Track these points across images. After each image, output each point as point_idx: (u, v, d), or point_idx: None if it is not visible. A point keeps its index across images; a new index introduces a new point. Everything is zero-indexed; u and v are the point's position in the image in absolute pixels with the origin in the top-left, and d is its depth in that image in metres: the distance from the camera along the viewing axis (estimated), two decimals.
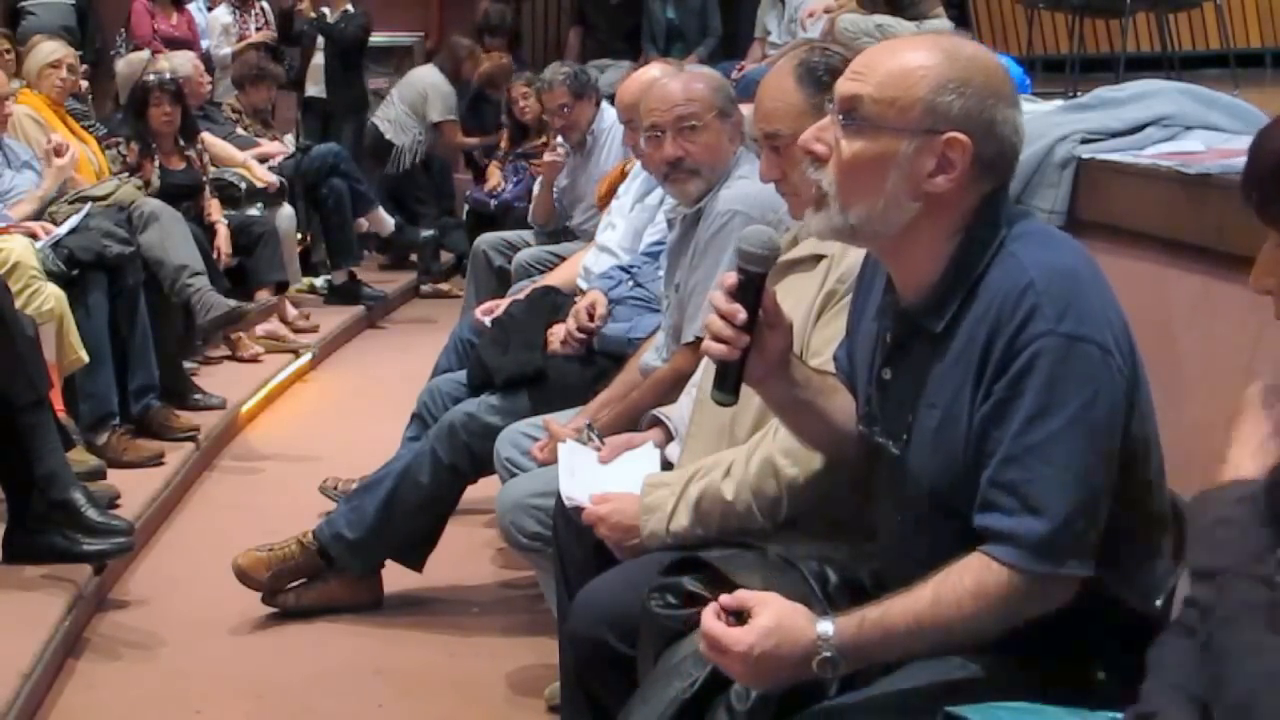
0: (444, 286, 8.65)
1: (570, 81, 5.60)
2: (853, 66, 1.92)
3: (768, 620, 1.82)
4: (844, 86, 1.90)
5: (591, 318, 3.82)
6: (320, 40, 9.03)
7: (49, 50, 6.06)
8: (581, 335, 3.81)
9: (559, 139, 5.84)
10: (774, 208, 2.81)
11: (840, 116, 1.88)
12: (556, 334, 3.86)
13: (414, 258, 8.90)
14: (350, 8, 8.99)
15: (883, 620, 1.81)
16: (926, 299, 1.90)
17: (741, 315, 1.93)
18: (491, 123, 8.72)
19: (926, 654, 1.84)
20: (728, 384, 1.98)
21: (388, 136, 8.79)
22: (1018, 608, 1.79)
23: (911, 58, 1.86)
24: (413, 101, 8.82)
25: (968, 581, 1.79)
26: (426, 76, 9.02)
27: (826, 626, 1.81)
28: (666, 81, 3.33)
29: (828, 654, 1.80)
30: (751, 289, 1.94)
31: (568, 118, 5.64)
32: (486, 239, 5.96)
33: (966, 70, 1.85)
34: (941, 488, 1.88)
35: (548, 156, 5.77)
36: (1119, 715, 1.70)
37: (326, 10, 9.01)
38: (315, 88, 9.13)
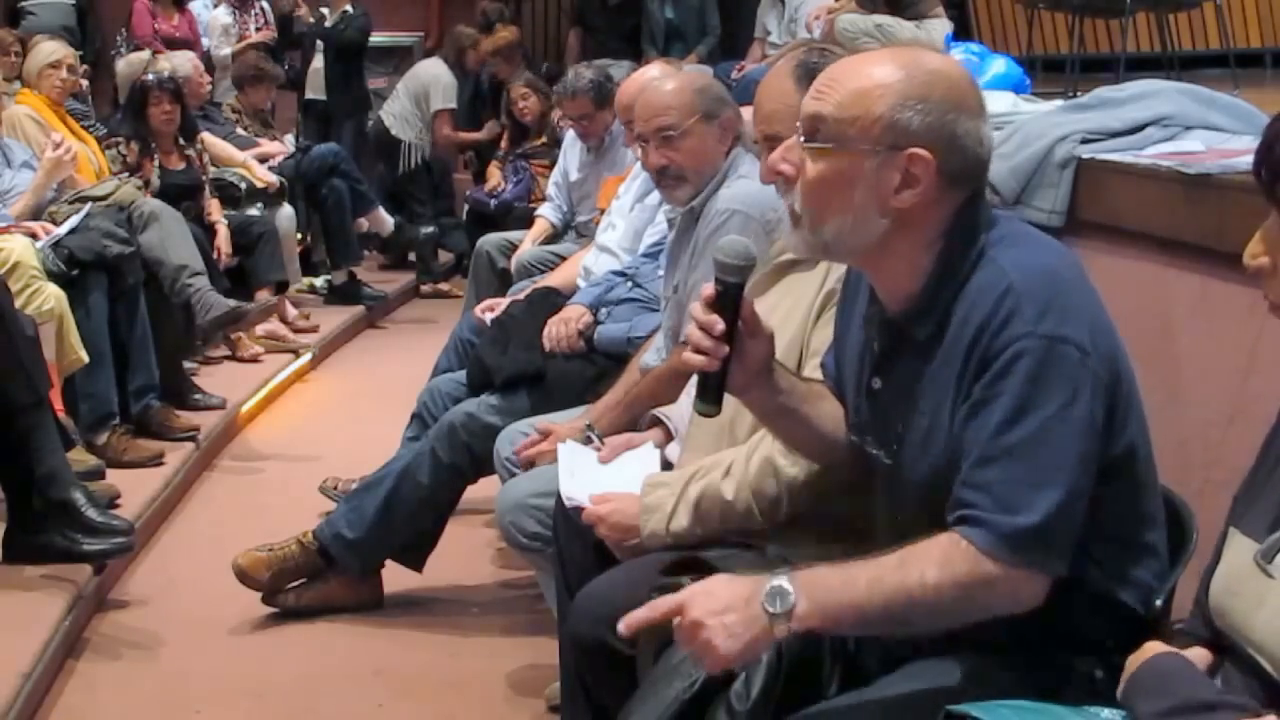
0: (444, 286, 8.66)
1: (594, 92, 5.55)
2: (815, 85, 1.92)
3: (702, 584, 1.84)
4: (806, 106, 1.91)
5: (580, 333, 3.84)
6: (319, 43, 9.04)
7: (49, 50, 6.06)
8: (579, 345, 3.83)
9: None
10: (774, 206, 2.81)
11: (803, 138, 1.89)
12: (550, 336, 3.86)
13: (412, 257, 8.91)
14: (350, 8, 8.99)
15: (845, 567, 1.80)
16: (910, 308, 1.90)
17: (720, 326, 1.94)
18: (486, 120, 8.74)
19: (883, 619, 1.79)
20: (710, 394, 1.99)
21: (394, 132, 8.83)
22: (981, 596, 1.77)
23: (872, 75, 1.87)
24: (416, 94, 8.85)
25: (935, 552, 1.78)
26: (431, 69, 9.04)
27: (781, 576, 1.79)
28: (651, 91, 3.36)
29: (779, 581, 1.77)
30: (729, 300, 1.95)
31: (587, 127, 5.63)
32: (490, 240, 5.96)
33: (927, 85, 1.85)
34: (933, 493, 1.87)
35: None
36: (1121, 712, 1.71)
37: (325, 11, 9.01)
38: (315, 91, 9.14)
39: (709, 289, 1.97)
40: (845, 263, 2.07)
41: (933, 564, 1.77)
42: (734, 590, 1.80)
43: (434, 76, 8.91)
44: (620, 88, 4.50)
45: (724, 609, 1.78)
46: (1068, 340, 1.77)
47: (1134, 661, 1.70)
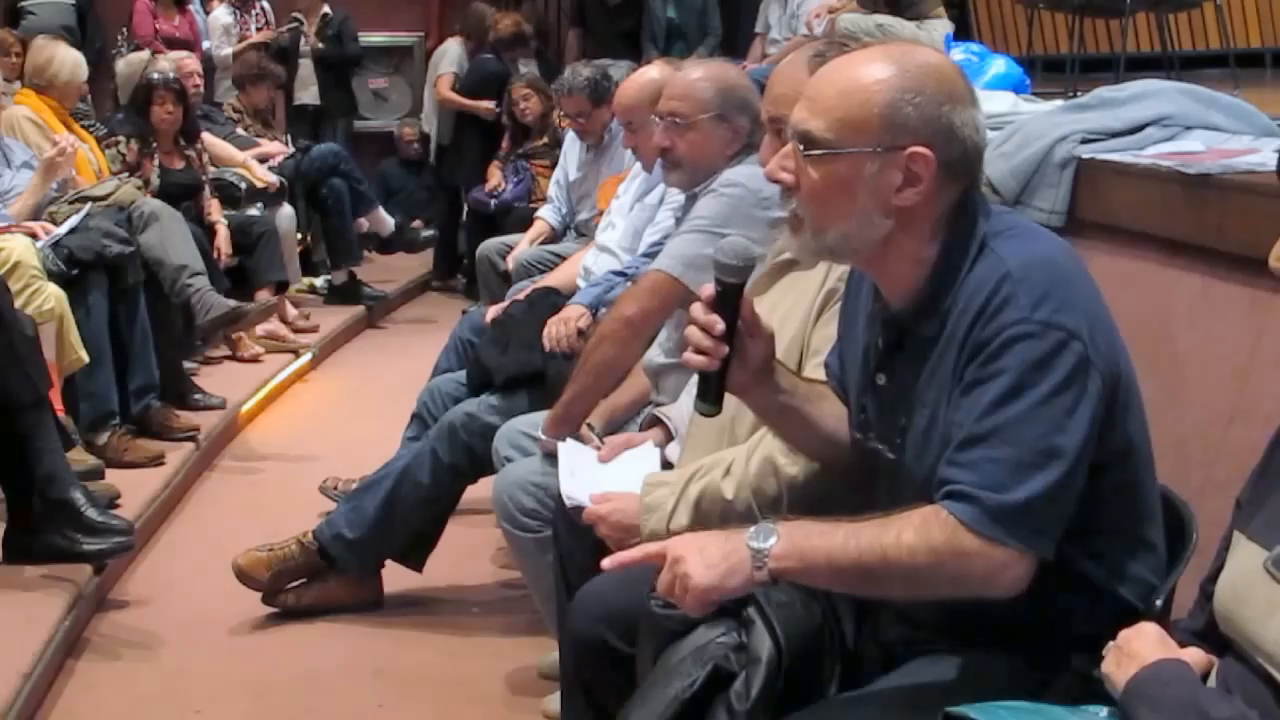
0: (453, 280, 8.77)
1: (590, 90, 5.55)
2: (805, 92, 1.91)
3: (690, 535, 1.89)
4: (798, 115, 1.89)
5: (580, 332, 3.84)
6: (304, 46, 9.00)
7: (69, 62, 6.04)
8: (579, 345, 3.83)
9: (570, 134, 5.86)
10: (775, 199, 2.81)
11: (800, 145, 1.88)
12: (550, 336, 3.86)
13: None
14: (329, 11, 8.93)
15: (831, 521, 1.81)
16: (914, 304, 1.90)
17: (719, 326, 1.94)
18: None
19: (855, 572, 1.79)
20: (710, 394, 2.00)
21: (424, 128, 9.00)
22: (954, 567, 1.75)
23: (862, 75, 1.86)
24: (432, 77, 8.93)
25: (915, 518, 1.77)
26: (446, 46, 9.08)
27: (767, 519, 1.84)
28: (681, 74, 3.39)
29: (764, 521, 1.80)
30: (729, 300, 1.95)
31: (584, 126, 5.63)
32: (489, 245, 5.96)
33: (918, 79, 1.84)
34: (934, 487, 1.87)
35: None
36: (1116, 711, 1.71)
37: (300, 16, 8.88)
38: (306, 94, 9.10)
39: (709, 289, 1.97)
40: (849, 265, 2.06)
41: (911, 527, 1.77)
42: (718, 534, 1.85)
43: (450, 49, 8.95)
44: (620, 88, 4.49)
45: (705, 544, 1.83)
46: (1063, 328, 1.77)
47: (1128, 640, 1.70)
